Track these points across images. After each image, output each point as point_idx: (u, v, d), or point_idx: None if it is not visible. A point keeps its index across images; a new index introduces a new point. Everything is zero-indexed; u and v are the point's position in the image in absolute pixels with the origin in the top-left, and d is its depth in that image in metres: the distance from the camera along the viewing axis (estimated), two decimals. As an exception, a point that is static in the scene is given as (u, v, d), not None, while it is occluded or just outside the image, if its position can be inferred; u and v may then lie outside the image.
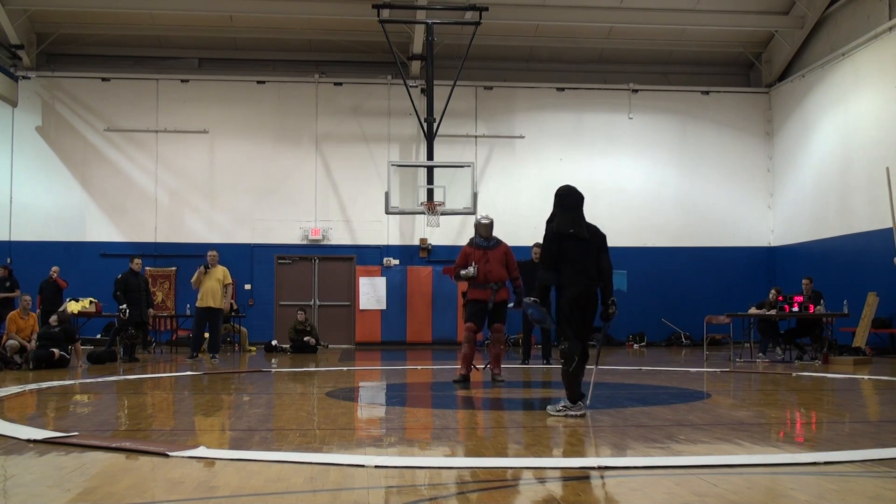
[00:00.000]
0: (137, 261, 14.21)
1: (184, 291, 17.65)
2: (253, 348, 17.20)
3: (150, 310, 14.37)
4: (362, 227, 19.24)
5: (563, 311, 6.62)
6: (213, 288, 13.61)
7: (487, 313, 9.60)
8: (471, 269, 9.53)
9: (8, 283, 16.12)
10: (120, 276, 13.85)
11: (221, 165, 19.15)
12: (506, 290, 9.68)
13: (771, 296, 14.45)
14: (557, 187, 6.90)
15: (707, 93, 20.21)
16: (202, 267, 13.70)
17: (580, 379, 6.59)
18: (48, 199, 18.67)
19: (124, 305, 13.49)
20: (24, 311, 12.68)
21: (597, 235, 6.73)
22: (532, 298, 6.67)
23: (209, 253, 13.95)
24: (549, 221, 6.79)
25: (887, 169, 10.11)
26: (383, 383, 10.62)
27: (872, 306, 14.56)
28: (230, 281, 14.03)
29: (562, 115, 19.81)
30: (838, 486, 4.11)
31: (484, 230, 9.75)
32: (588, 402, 6.74)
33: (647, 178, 19.89)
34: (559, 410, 6.58)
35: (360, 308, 18.86)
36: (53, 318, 12.66)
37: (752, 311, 14.45)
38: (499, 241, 9.81)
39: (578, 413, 6.49)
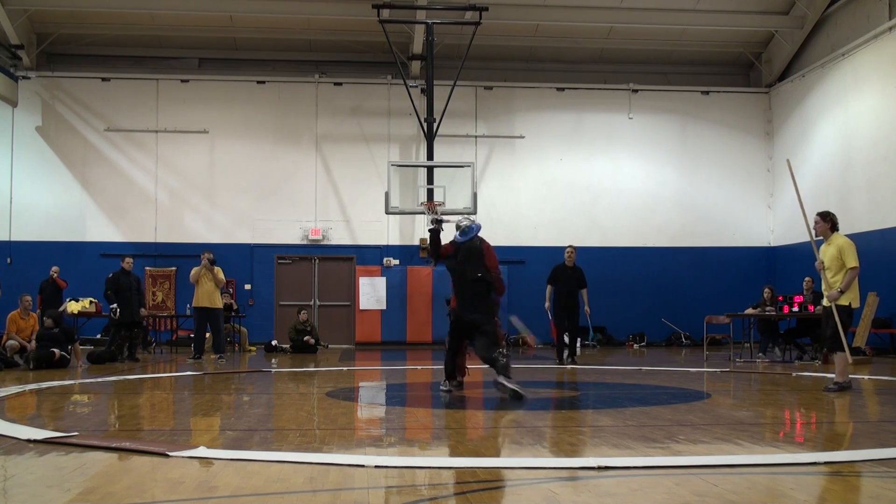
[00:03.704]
0: (129, 259, 14.14)
1: (183, 291, 17.63)
2: (253, 348, 17.19)
3: (143, 309, 14.32)
4: (362, 227, 19.24)
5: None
6: (209, 288, 13.63)
7: None
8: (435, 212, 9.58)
9: None
10: (111, 274, 13.80)
11: (221, 165, 19.15)
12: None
13: (765, 294, 14.45)
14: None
15: (707, 93, 20.21)
16: (205, 261, 13.68)
17: (450, 363, 8.41)
18: (48, 199, 18.67)
19: (115, 305, 13.47)
20: (24, 311, 12.66)
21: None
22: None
23: (206, 255, 13.89)
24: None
25: (788, 161, 10.24)
26: (383, 383, 10.62)
27: (872, 306, 14.55)
28: (223, 280, 14.04)
29: (562, 115, 19.81)
30: (838, 486, 4.11)
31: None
32: (510, 394, 7.60)
33: (646, 178, 19.89)
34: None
35: (360, 308, 18.85)
36: (48, 321, 12.50)
37: (749, 311, 14.45)
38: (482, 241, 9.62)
39: (445, 389, 8.35)
